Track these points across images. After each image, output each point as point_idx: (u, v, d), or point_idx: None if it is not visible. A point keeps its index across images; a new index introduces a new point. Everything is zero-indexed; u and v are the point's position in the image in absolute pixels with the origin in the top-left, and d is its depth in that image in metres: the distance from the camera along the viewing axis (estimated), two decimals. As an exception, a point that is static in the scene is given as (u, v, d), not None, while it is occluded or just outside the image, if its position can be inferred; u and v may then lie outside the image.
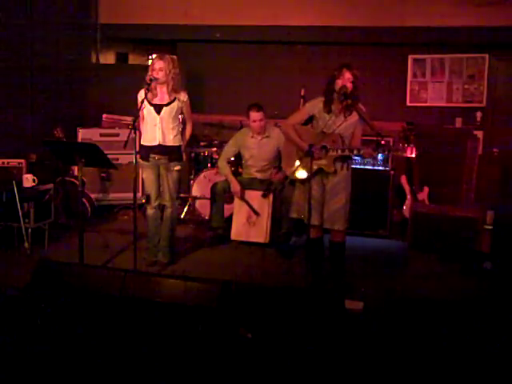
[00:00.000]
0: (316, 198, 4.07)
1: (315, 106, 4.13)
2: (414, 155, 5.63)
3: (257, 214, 5.34)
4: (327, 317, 3.32)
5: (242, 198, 5.38)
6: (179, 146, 4.67)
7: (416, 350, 3.18)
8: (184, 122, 4.85)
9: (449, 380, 2.95)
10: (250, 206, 5.36)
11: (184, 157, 4.79)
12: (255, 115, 5.33)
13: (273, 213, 5.37)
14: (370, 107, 4.13)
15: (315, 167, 4.01)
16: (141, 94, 4.54)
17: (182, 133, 4.76)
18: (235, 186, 5.39)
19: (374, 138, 4.25)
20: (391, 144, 4.06)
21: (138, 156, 4.38)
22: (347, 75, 3.97)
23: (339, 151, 3.98)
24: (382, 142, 4.08)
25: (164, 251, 4.79)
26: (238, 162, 5.89)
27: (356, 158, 5.84)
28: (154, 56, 4.58)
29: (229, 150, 5.61)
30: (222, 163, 5.58)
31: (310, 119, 4.20)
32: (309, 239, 4.15)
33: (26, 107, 6.30)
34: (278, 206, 5.39)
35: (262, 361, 3.01)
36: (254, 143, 5.46)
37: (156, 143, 4.57)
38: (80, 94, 7.06)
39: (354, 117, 4.03)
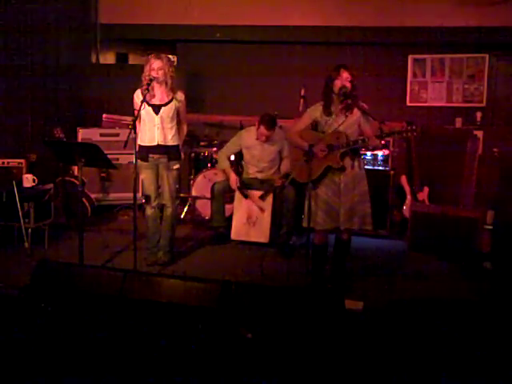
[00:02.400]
0: (323, 199, 4.04)
1: (316, 110, 4.13)
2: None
3: (248, 197, 5.36)
4: (327, 317, 3.32)
5: (242, 192, 5.39)
6: (177, 146, 4.67)
7: (416, 349, 3.18)
8: (179, 122, 4.80)
9: (449, 379, 2.95)
10: (244, 193, 5.38)
11: (182, 156, 4.79)
12: (264, 132, 5.31)
13: (273, 213, 5.37)
14: (370, 107, 4.12)
15: (323, 166, 4.00)
16: (138, 95, 4.52)
17: (178, 132, 4.74)
18: (233, 180, 5.42)
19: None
20: (394, 132, 4.01)
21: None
22: (345, 75, 3.96)
23: (344, 145, 3.97)
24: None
25: (164, 251, 4.79)
26: (238, 162, 5.89)
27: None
28: (151, 56, 4.56)
29: (231, 147, 5.62)
30: (222, 157, 5.60)
31: (316, 127, 4.20)
32: (313, 245, 4.14)
33: (25, 107, 6.31)
34: (278, 206, 5.39)
35: (262, 361, 3.01)
36: (257, 145, 5.45)
37: (155, 143, 4.56)
38: (80, 94, 7.06)
39: (356, 114, 4.03)
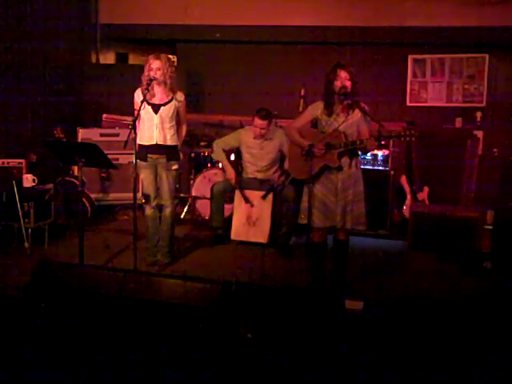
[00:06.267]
0: (319, 198, 4.04)
1: (317, 107, 4.12)
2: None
3: (249, 202, 5.29)
4: (327, 317, 3.32)
5: (238, 187, 5.36)
6: (176, 146, 4.67)
7: (416, 349, 3.18)
8: (179, 122, 4.76)
9: (448, 379, 2.95)
10: (244, 197, 5.32)
11: (181, 156, 4.79)
12: (259, 123, 5.26)
13: (273, 213, 5.37)
14: (370, 107, 4.12)
15: (320, 165, 4.00)
16: (138, 94, 4.52)
17: (177, 132, 4.73)
18: (230, 173, 5.40)
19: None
20: (392, 135, 4.01)
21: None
22: (343, 74, 3.96)
23: (342, 145, 3.97)
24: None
25: (163, 251, 4.79)
26: (238, 162, 5.89)
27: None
28: (150, 56, 4.54)
29: (228, 140, 5.57)
30: (218, 148, 5.53)
31: (316, 124, 4.20)
32: (312, 243, 4.13)
33: (26, 107, 6.30)
34: (278, 206, 5.38)
35: (262, 361, 3.01)
36: (256, 144, 5.44)
37: (153, 143, 4.56)
38: (80, 94, 7.05)
39: (357, 114, 4.02)
